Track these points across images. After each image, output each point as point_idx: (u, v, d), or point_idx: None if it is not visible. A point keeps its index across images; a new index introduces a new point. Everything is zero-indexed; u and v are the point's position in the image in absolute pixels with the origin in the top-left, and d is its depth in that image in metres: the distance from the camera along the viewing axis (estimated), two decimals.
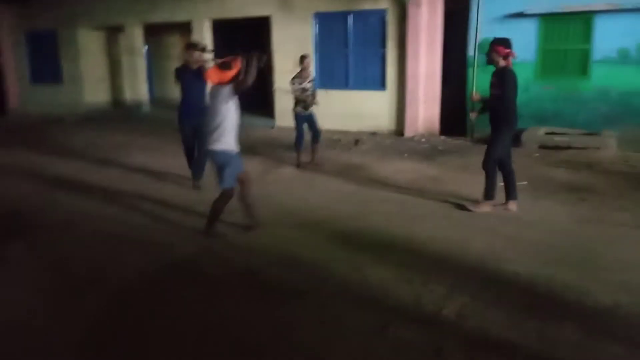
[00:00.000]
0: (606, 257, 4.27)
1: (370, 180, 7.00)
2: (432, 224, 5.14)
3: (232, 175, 4.62)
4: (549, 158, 8.05)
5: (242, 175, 4.78)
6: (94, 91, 15.93)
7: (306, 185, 6.80)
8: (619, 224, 5.06)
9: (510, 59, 5.34)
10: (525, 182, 6.67)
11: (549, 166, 7.55)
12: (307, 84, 7.60)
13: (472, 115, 5.84)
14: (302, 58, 7.63)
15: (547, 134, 9.03)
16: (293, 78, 7.60)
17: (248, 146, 9.58)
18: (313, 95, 7.68)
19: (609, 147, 8.11)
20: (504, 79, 5.24)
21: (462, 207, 5.65)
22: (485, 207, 5.51)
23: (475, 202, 5.66)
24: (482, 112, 5.70)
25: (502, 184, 5.66)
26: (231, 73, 4.50)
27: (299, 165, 7.81)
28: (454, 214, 5.48)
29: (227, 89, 4.49)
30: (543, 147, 8.57)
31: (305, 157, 7.91)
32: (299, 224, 5.22)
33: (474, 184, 6.70)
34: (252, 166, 7.94)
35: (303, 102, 7.61)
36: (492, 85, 5.41)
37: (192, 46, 6.43)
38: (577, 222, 5.14)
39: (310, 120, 7.77)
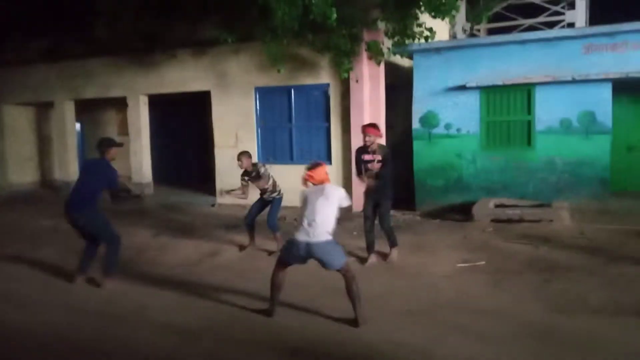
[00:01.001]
0: (592, 355, 3.75)
1: (317, 265, 6.33)
2: (390, 322, 4.50)
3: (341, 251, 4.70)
4: (503, 233, 7.68)
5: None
6: (20, 171, 14.85)
7: (246, 273, 6.06)
8: (595, 310, 4.59)
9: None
10: (483, 262, 6.23)
11: (505, 242, 7.15)
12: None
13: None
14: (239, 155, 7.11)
15: (498, 206, 8.78)
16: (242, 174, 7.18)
17: (185, 227, 8.90)
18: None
19: (562, 219, 7.87)
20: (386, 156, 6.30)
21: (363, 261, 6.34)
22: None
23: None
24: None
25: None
26: (321, 171, 4.78)
27: (241, 248, 7.26)
28: (415, 308, 4.85)
29: (341, 192, 4.71)
30: (495, 220, 8.25)
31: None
32: (229, 322, 4.49)
33: (432, 265, 6.23)
34: (188, 251, 7.21)
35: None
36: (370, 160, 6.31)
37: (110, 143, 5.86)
38: (549, 310, 4.62)
39: (271, 205, 7.25)
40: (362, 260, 6.48)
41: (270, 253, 6.99)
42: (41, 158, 15.57)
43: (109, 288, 5.59)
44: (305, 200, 4.70)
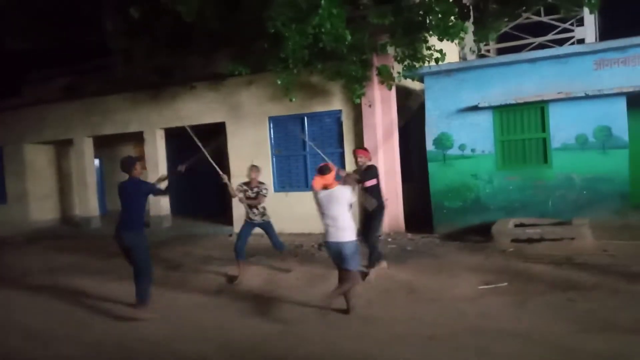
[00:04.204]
0: None
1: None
2: (415, 350, 4.43)
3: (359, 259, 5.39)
4: (524, 252, 7.58)
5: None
6: (41, 209, 15.08)
7: (261, 307, 5.97)
8: (623, 329, 4.47)
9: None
10: (505, 283, 6.14)
11: (527, 262, 7.04)
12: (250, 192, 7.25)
13: None
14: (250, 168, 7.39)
15: (517, 225, 8.67)
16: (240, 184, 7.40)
17: (201, 258, 8.89)
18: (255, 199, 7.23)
19: (584, 236, 7.73)
20: (376, 173, 6.87)
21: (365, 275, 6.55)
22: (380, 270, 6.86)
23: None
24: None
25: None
26: (332, 175, 5.23)
27: (230, 280, 7.21)
28: (442, 330, 4.78)
29: (347, 190, 5.24)
30: (516, 240, 8.14)
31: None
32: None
33: (453, 288, 6.15)
34: (201, 284, 7.17)
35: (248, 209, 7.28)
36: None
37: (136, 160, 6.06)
38: (576, 331, 4.52)
39: (265, 229, 7.36)
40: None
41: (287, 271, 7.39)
42: (61, 195, 15.83)
43: (142, 317, 5.61)
44: (320, 204, 5.26)
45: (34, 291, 7.25)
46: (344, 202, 5.20)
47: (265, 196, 7.24)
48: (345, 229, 5.18)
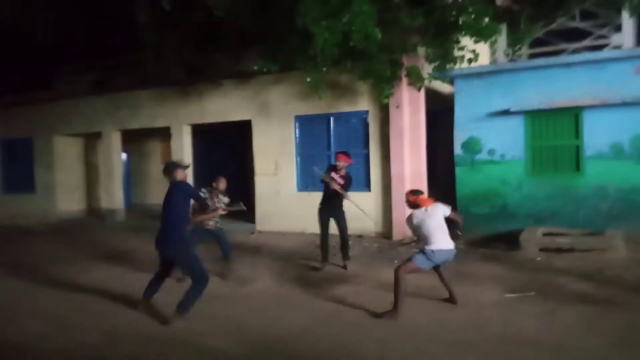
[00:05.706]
0: None
1: (359, 294, 6.17)
2: (436, 354, 4.28)
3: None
4: (553, 263, 7.33)
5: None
6: (68, 200, 15.32)
7: (284, 305, 5.93)
8: None
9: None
10: (532, 293, 5.92)
11: (556, 273, 6.80)
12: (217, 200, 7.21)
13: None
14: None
15: (546, 234, 8.40)
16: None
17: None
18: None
19: (616, 248, 7.44)
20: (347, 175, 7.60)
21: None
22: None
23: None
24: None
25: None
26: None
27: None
28: (464, 337, 4.62)
29: (442, 208, 5.52)
30: (544, 249, 7.89)
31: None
32: (278, 357, 4.35)
33: (479, 295, 5.97)
34: (220, 281, 7.10)
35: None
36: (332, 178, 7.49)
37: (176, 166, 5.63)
38: (607, 344, 4.31)
39: (215, 235, 7.25)
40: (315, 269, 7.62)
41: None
42: (88, 187, 16.06)
43: (175, 326, 5.16)
44: (424, 219, 5.39)
45: (57, 280, 7.29)
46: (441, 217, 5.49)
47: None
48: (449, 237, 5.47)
